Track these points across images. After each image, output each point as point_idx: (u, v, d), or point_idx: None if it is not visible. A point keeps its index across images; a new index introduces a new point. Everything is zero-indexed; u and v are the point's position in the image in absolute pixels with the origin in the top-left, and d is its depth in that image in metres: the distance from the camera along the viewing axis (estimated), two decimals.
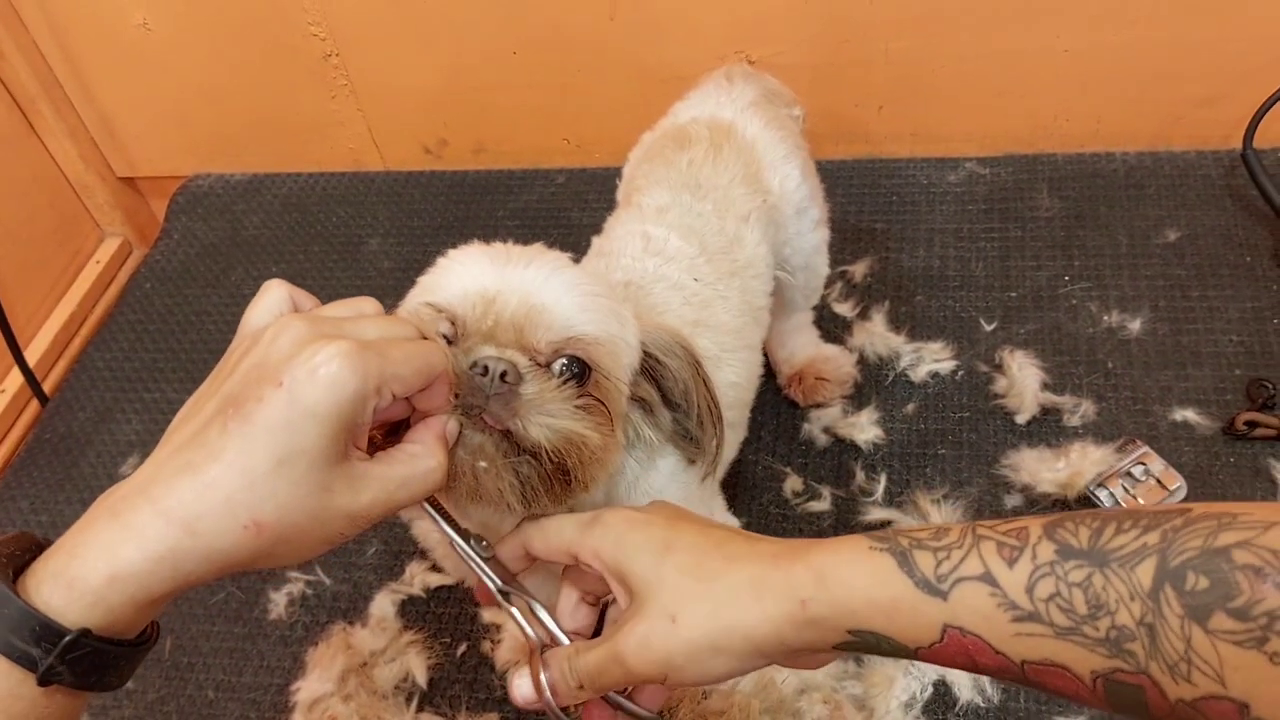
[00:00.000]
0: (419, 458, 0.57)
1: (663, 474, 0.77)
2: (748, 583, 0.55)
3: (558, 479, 0.63)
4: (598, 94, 1.46)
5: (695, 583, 0.57)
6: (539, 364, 0.62)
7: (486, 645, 1.05)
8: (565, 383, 0.62)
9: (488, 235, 1.53)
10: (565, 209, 1.49)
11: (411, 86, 1.51)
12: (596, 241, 0.97)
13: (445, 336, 0.62)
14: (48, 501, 1.28)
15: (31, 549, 0.51)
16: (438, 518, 0.65)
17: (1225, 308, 1.19)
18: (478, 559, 0.65)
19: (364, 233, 1.53)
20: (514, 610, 0.64)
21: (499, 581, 0.65)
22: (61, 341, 1.60)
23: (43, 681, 0.48)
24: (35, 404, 1.50)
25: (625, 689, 0.61)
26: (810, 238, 1.07)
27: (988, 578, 0.49)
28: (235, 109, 1.60)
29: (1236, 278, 1.22)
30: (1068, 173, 1.37)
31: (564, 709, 0.62)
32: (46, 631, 0.47)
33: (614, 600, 0.62)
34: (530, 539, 0.65)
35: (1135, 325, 1.19)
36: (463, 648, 1.06)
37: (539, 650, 0.62)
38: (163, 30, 1.50)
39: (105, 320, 1.53)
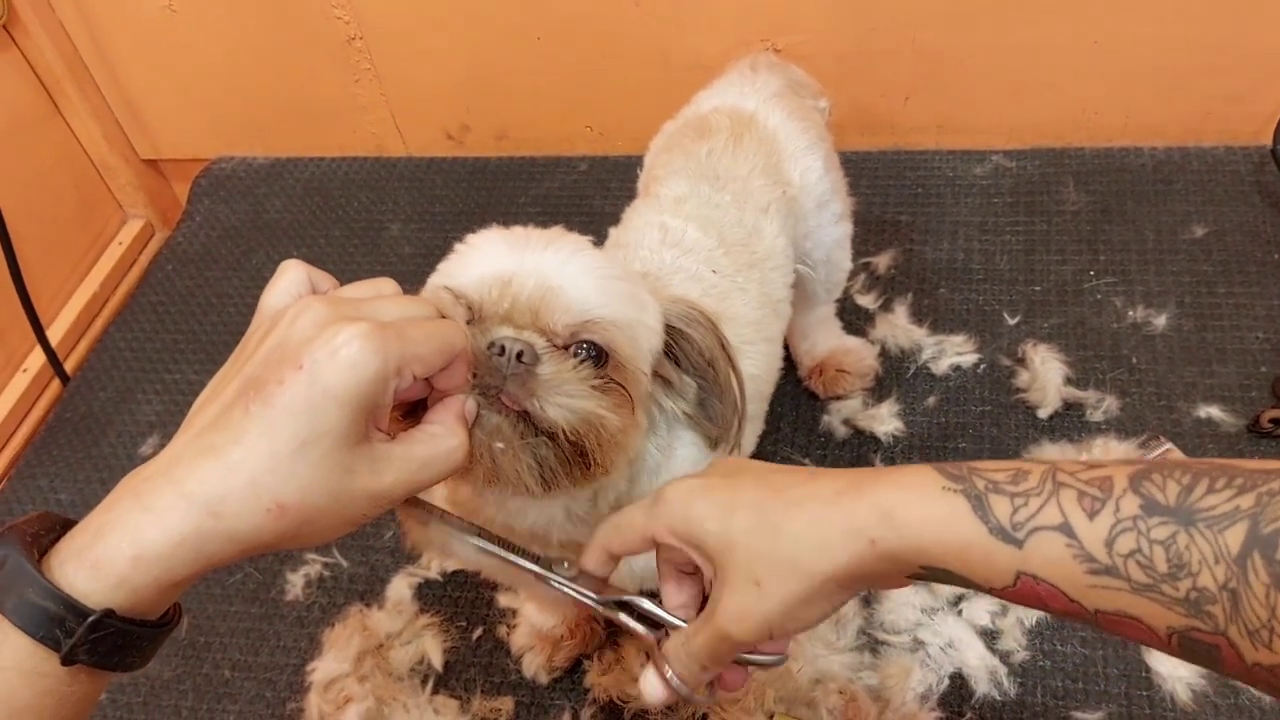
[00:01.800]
0: (440, 438, 0.56)
1: (684, 460, 0.77)
2: (813, 527, 0.55)
3: (576, 461, 0.63)
4: (621, 81, 1.46)
5: (765, 540, 0.56)
6: (556, 346, 0.62)
7: (502, 630, 1.05)
8: (582, 364, 0.62)
9: (509, 222, 1.52)
10: (587, 196, 1.48)
11: (435, 72, 1.51)
12: (614, 232, 0.96)
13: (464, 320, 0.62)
14: (68, 480, 1.29)
15: (55, 528, 0.51)
16: (512, 557, 0.65)
17: (1252, 304, 1.18)
18: (566, 581, 0.65)
19: (385, 218, 1.53)
20: (622, 615, 0.64)
21: (597, 596, 0.65)
22: (84, 322, 1.60)
23: (66, 661, 0.48)
24: (57, 383, 1.51)
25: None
26: (832, 231, 1.06)
27: (1065, 528, 0.48)
28: (258, 92, 1.60)
29: (1264, 274, 1.21)
30: (1095, 167, 1.36)
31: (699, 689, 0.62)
32: (70, 612, 0.47)
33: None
34: (608, 540, 0.64)
35: (1160, 321, 1.18)
36: (479, 631, 1.06)
37: (657, 644, 0.62)
38: (187, 13, 1.50)
39: (127, 301, 1.53)
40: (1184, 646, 0.46)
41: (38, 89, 1.58)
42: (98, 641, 0.48)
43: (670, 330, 0.70)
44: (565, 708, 0.99)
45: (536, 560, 0.65)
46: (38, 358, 1.52)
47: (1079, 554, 0.48)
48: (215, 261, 1.53)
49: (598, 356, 0.63)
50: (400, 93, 1.55)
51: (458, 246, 0.67)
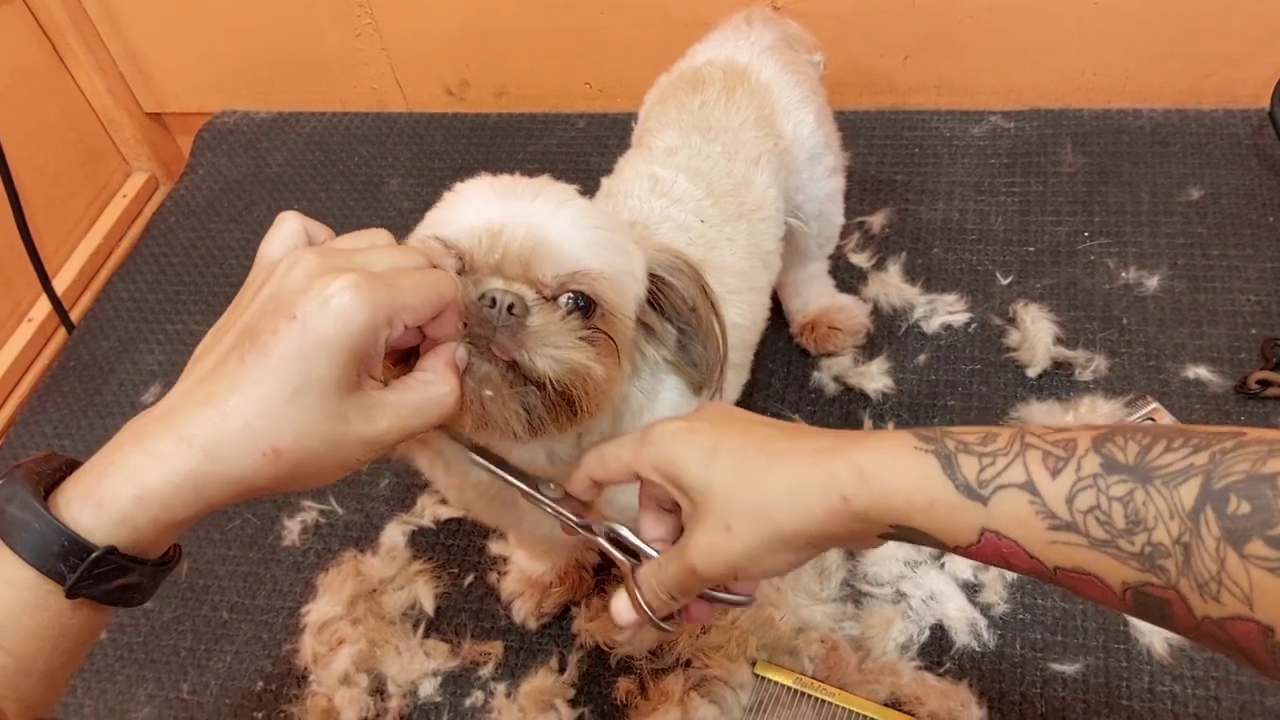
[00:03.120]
0: (431, 384, 0.58)
1: (666, 405, 0.78)
2: (790, 481, 0.56)
3: (563, 408, 0.64)
4: (620, 39, 1.46)
5: (741, 488, 0.58)
6: (545, 297, 0.63)
7: (493, 576, 1.07)
8: (570, 314, 0.63)
9: None
10: (585, 153, 1.49)
11: (435, 28, 1.51)
12: (606, 182, 0.97)
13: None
14: (70, 427, 1.31)
15: (61, 468, 0.54)
16: (502, 473, 0.67)
17: (1244, 267, 1.19)
18: (550, 502, 0.68)
19: (385, 172, 1.54)
20: (600, 539, 0.66)
21: (579, 519, 0.67)
22: (88, 273, 1.62)
23: (70, 594, 0.50)
24: (62, 333, 1.53)
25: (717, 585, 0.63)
26: (824, 185, 1.07)
27: (1029, 486, 0.50)
28: (261, 47, 1.60)
29: (1258, 237, 1.21)
30: (1093, 128, 1.36)
31: (666, 618, 0.64)
32: (75, 547, 0.50)
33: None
34: (592, 469, 0.66)
35: (1153, 282, 1.19)
36: (470, 578, 1.08)
37: (631, 571, 0.64)
38: None
39: (130, 253, 1.55)
40: (1138, 602, 0.48)
41: (42, 42, 1.58)
42: (100, 576, 0.51)
43: (654, 278, 0.71)
44: (553, 653, 1.01)
45: (524, 478, 0.67)
46: (43, 307, 1.54)
47: (1041, 510, 0.50)
48: (217, 214, 1.55)
49: (585, 307, 0.64)
50: (401, 48, 1.56)
51: (446, 195, 0.68)
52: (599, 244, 0.65)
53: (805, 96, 1.03)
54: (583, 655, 1.00)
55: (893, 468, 0.54)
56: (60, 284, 1.57)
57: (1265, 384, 1.07)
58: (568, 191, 0.67)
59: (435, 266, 0.60)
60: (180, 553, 0.58)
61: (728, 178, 0.94)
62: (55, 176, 1.61)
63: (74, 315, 1.54)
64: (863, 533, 0.56)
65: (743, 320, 0.92)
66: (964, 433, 0.54)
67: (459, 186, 0.68)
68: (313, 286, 0.52)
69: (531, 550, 1.03)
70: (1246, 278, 1.17)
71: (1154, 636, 0.93)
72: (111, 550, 0.50)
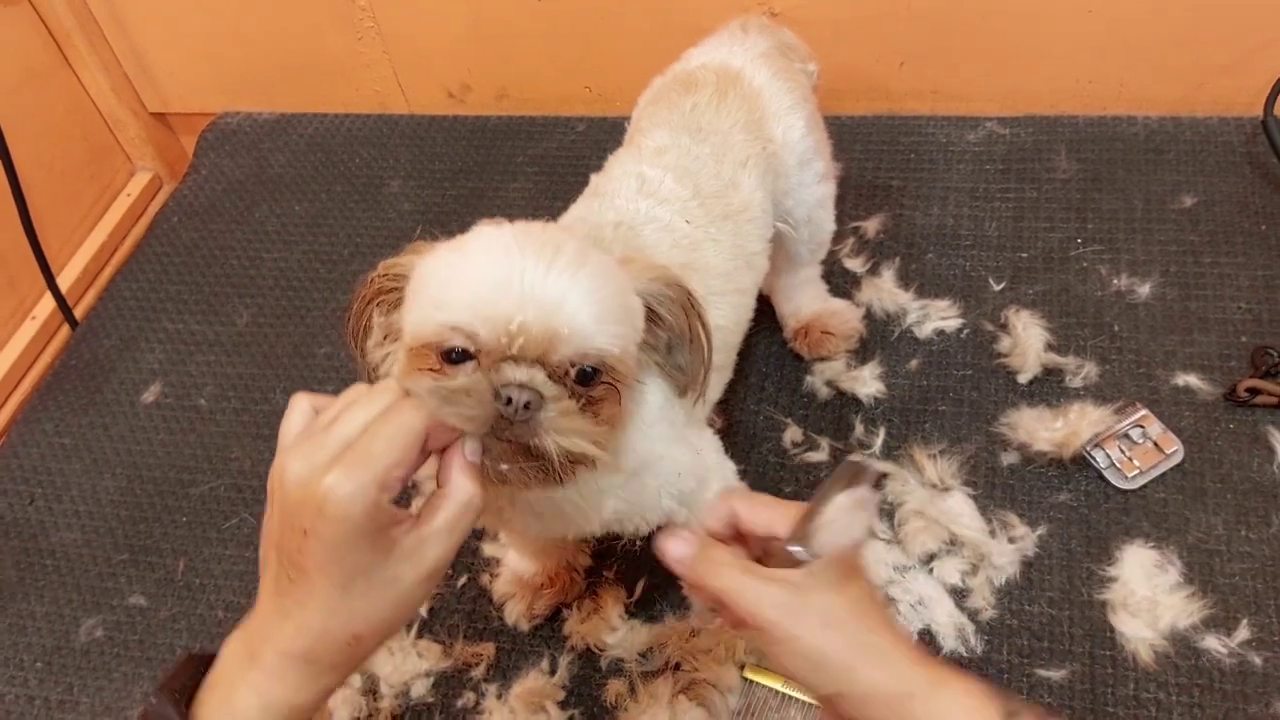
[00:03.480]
0: (454, 495, 0.62)
1: (651, 406, 0.80)
2: (884, 653, 0.60)
3: (575, 468, 0.67)
4: (620, 43, 1.46)
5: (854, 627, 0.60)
6: (557, 375, 0.65)
7: (486, 578, 1.08)
8: (578, 384, 0.66)
9: (506, 182, 1.55)
10: (584, 157, 1.49)
11: (436, 31, 1.52)
12: (594, 179, 0.98)
13: (465, 350, 0.64)
14: (71, 425, 1.33)
15: (195, 674, 0.61)
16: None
17: (1236, 274, 1.19)
18: None
19: (386, 174, 1.55)
20: None
21: None
22: (92, 271, 1.64)
23: None
24: (65, 330, 1.55)
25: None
26: (814, 190, 1.07)
27: None
28: (265, 48, 1.62)
29: (1250, 245, 1.21)
30: (1087, 135, 1.36)
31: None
32: None
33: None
34: (744, 518, 0.66)
35: (1144, 289, 1.19)
36: (463, 579, 1.09)
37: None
38: None
39: (133, 252, 1.56)
40: None
41: (48, 42, 1.60)
42: None
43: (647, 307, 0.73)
44: (544, 654, 1.02)
45: None
46: (46, 305, 1.55)
47: None
48: (219, 214, 1.56)
49: (594, 373, 0.67)
50: (402, 51, 1.57)
51: (444, 256, 0.67)
52: (608, 318, 0.66)
53: (796, 103, 1.04)
54: (573, 657, 1.01)
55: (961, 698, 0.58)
56: (64, 281, 1.58)
57: (1254, 392, 1.08)
58: (575, 257, 0.66)
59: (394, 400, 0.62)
60: None
61: (715, 179, 0.95)
62: (61, 175, 1.62)
63: (78, 313, 1.55)
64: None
65: (725, 322, 0.93)
66: None
67: (465, 248, 0.67)
68: (308, 499, 0.57)
69: (523, 550, 1.04)
70: (1238, 285, 1.18)
71: (1139, 644, 0.94)
72: None
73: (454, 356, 0.65)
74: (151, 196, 1.75)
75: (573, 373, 0.65)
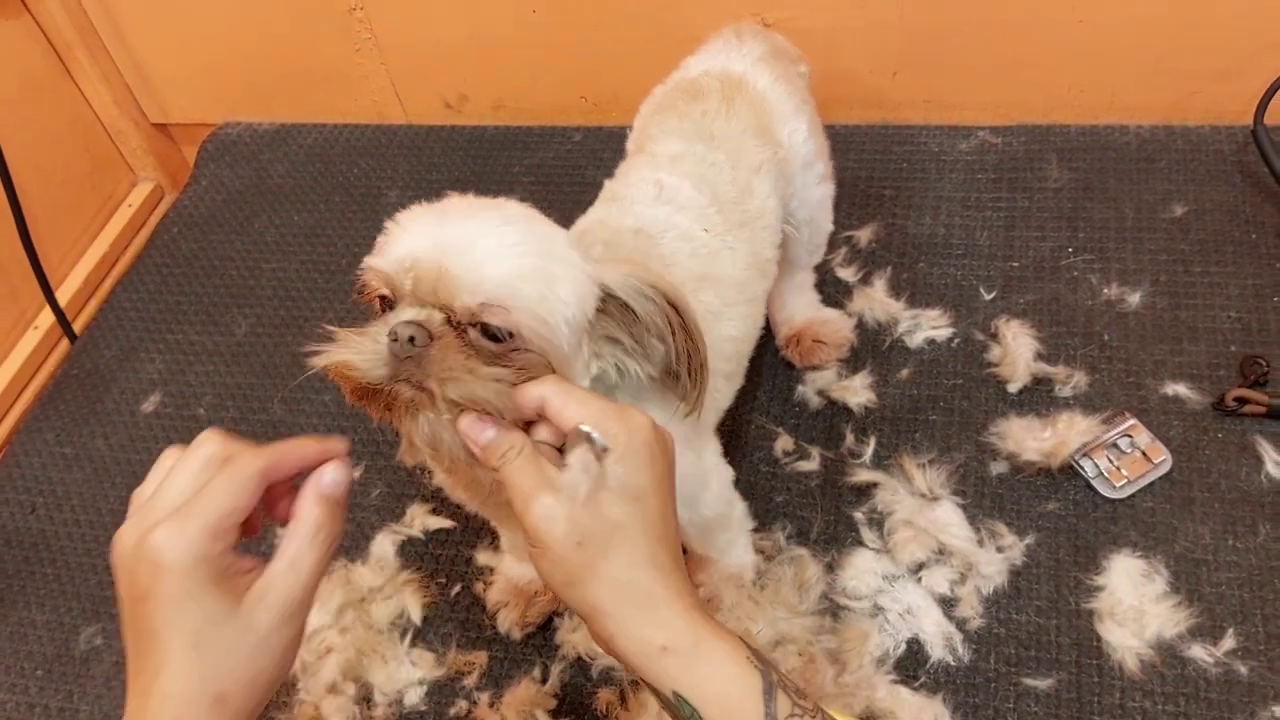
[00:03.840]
0: (300, 529, 0.60)
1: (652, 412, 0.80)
2: (647, 593, 0.61)
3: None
4: (615, 53, 1.47)
5: (608, 565, 0.61)
6: (457, 324, 0.65)
7: (479, 586, 1.09)
8: (481, 341, 0.65)
9: (503, 192, 1.54)
10: (580, 167, 1.51)
11: (433, 41, 1.53)
12: (608, 185, 0.99)
13: (385, 297, 0.66)
14: (72, 435, 1.34)
15: None
16: None
17: (1226, 284, 1.20)
18: None
19: (384, 184, 1.56)
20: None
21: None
22: (93, 282, 1.65)
23: None
24: (66, 342, 1.56)
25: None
26: (815, 191, 1.09)
27: None
28: (264, 59, 1.63)
29: (1240, 254, 1.22)
30: (1079, 144, 1.37)
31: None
32: None
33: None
34: (552, 405, 0.65)
35: (1135, 298, 1.20)
36: (457, 588, 1.10)
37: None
38: None
39: (134, 262, 1.57)
40: None
41: (49, 54, 1.61)
42: None
43: (615, 298, 0.71)
44: (536, 663, 1.03)
45: None
46: (48, 315, 1.56)
47: None
48: (219, 225, 1.57)
49: (497, 334, 0.65)
50: (400, 62, 1.58)
51: (388, 224, 0.69)
52: (517, 273, 0.65)
53: (799, 106, 1.06)
54: (565, 666, 1.02)
55: (723, 665, 0.59)
56: (67, 291, 1.60)
57: (1242, 401, 1.08)
58: (505, 215, 0.68)
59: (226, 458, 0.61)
60: None
61: (732, 185, 0.96)
62: (62, 186, 1.64)
63: (80, 324, 1.57)
64: (647, 674, 0.60)
65: (737, 333, 0.94)
66: (790, 678, 0.60)
67: (400, 214, 0.69)
68: (140, 561, 0.56)
69: (524, 554, 1.05)
70: (1228, 295, 1.19)
71: (1126, 653, 0.95)
72: None
73: (386, 306, 0.67)
74: (153, 207, 1.77)
75: (476, 325, 0.65)
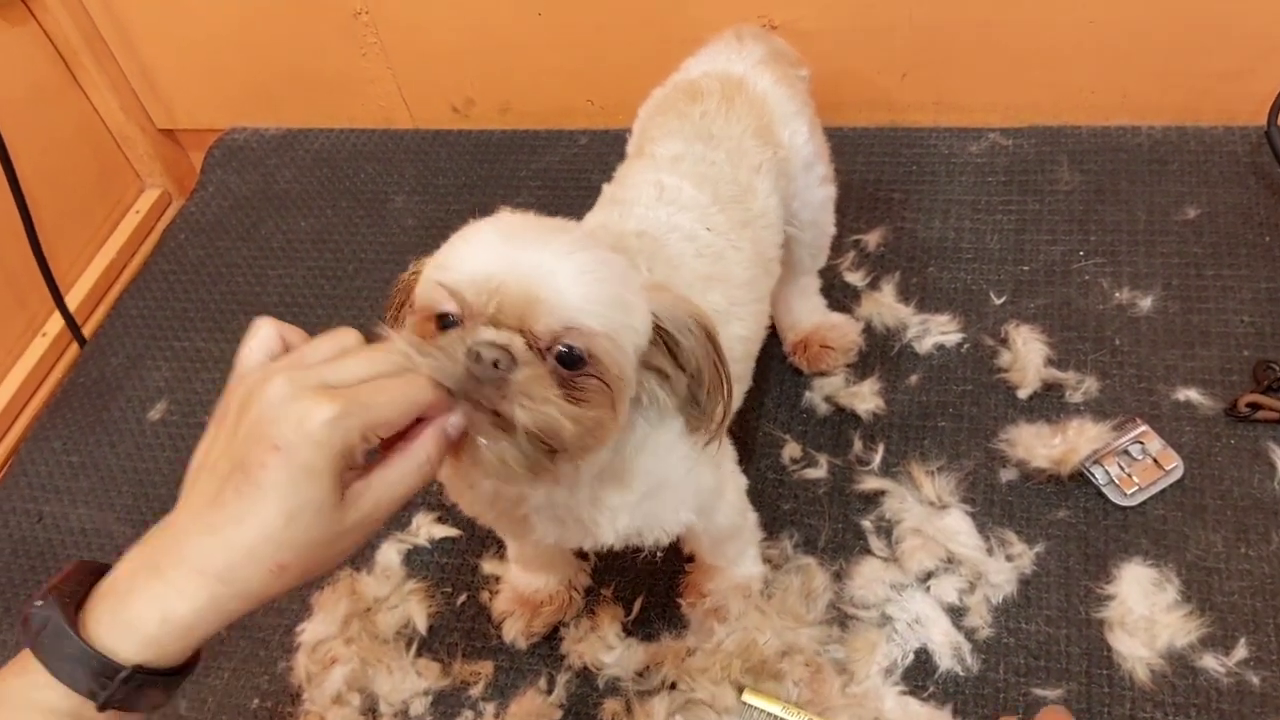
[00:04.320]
0: (410, 454, 0.61)
1: (672, 433, 0.80)
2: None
3: (557, 454, 0.66)
4: (621, 56, 1.47)
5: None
6: (538, 348, 0.64)
7: (485, 595, 1.09)
8: (562, 366, 0.64)
9: (510, 196, 1.56)
10: (586, 171, 1.50)
11: (439, 45, 1.53)
12: (608, 189, 0.98)
13: (452, 315, 0.65)
14: (79, 443, 1.34)
15: (87, 580, 0.58)
16: None
17: (1239, 287, 1.18)
18: None
19: (390, 190, 1.56)
20: None
21: None
22: (101, 288, 1.65)
23: (102, 708, 0.55)
24: (75, 347, 1.56)
25: None
26: (817, 192, 1.08)
27: None
28: (270, 64, 1.63)
29: (1253, 257, 1.20)
30: (1090, 146, 1.36)
31: None
32: (105, 668, 0.55)
33: None
34: None
35: (1146, 303, 1.19)
36: (462, 597, 1.09)
37: None
38: None
39: (141, 269, 1.57)
40: None
41: (56, 61, 1.62)
42: (128, 690, 0.55)
43: (663, 330, 0.72)
44: (541, 673, 1.02)
45: None
46: (57, 321, 1.57)
47: None
48: (226, 231, 1.57)
49: (577, 359, 0.65)
50: (406, 66, 1.58)
51: (452, 237, 0.68)
52: (599, 299, 0.65)
53: (799, 107, 1.05)
54: (570, 676, 1.02)
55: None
56: (75, 298, 1.60)
57: (1255, 407, 1.07)
58: (577, 240, 0.68)
59: (408, 368, 0.61)
60: (200, 656, 0.61)
61: (732, 184, 0.95)
62: (70, 192, 1.64)
63: (88, 330, 1.57)
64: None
65: (747, 332, 0.94)
66: None
67: (466, 228, 0.68)
68: (290, 415, 0.56)
69: (531, 565, 1.04)
70: (1240, 298, 1.17)
71: (1136, 663, 0.94)
72: (139, 668, 0.55)
73: (445, 322, 0.65)
74: (160, 213, 1.77)
75: (555, 350, 0.64)
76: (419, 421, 0.61)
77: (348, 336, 0.63)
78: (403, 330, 0.69)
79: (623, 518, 0.81)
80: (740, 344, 0.93)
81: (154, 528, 0.58)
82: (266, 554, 0.56)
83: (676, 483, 0.83)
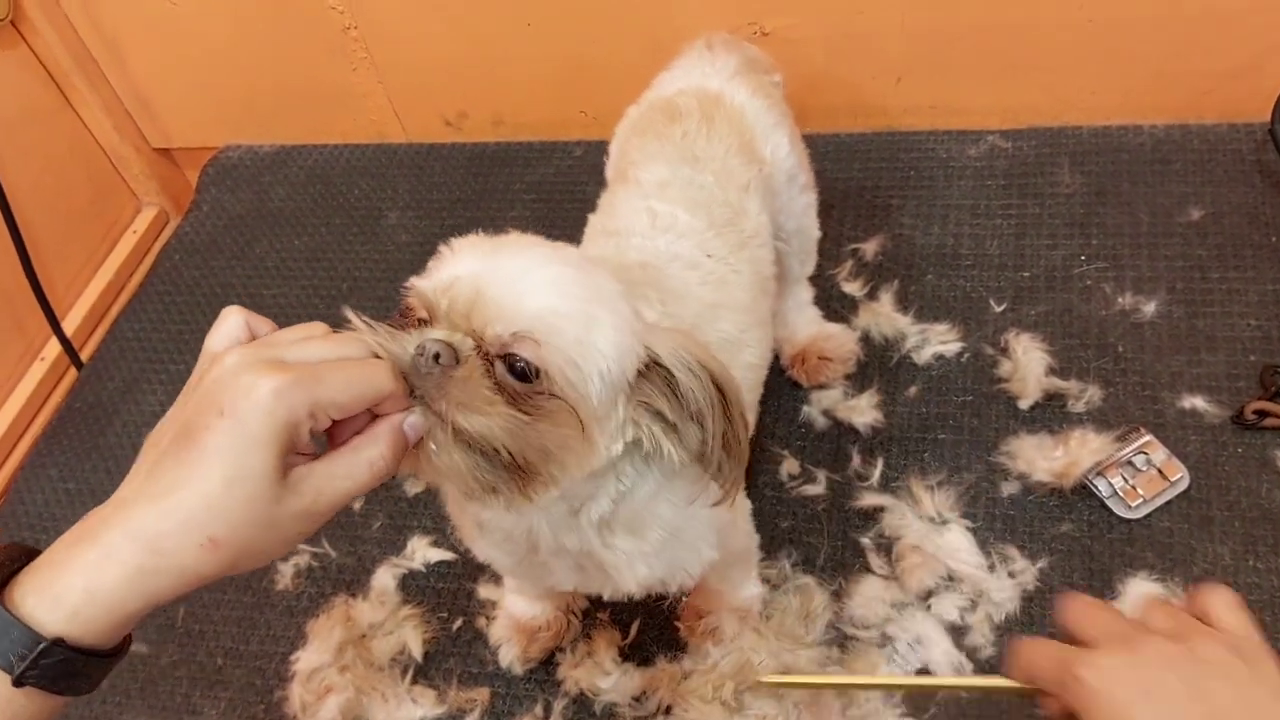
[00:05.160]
0: (361, 449, 0.59)
1: (689, 482, 0.75)
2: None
3: (514, 471, 0.64)
4: (612, 66, 1.45)
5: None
6: (486, 354, 0.62)
7: (481, 621, 1.07)
8: (512, 377, 0.62)
9: (505, 209, 1.54)
10: (581, 182, 1.48)
11: (430, 59, 1.51)
12: (594, 220, 0.97)
13: (423, 320, 0.64)
14: (75, 470, 1.33)
15: (20, 558, 0.56)
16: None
17: (1245, 290, 1.16)
18: None
19: (384, 205, 1.55)
20: None
21: None
22: (100, 309, 1.65)
23: (17, 683, 0.53)
24: (74, 371, 1.56)
25: None
26: (799, 200, 1.08)
27: None
28: (262, 81, 1.62)
29: (1259, 259, 1.18)
30: (1091, 147, 1.33)
31: None
32: (24, 638, 0.53)
33: None
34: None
35: (1150, 308, 1.16)
36: (458, 622, 1.08)
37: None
38: (187, 5, 1.53)
39: (137, 291, 1.57)
40: None
41: (47, 83, 1.61)
42: (47, 667, 0.53)
43: (661, 367, 0.68)
44: (538, 699, 1.01)
45: None
46: (55, 345, 1.56)
47: None
48: (220, 251, 1.56)
49: (524, 372, 0.63)
50: (397, 80, 1.56)
51: (442, 248, 0.68)
52: (557, 313, 0.63)
53: (778, 119, 1.04)
54: (567, 702, 1.00)
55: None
56: (72, 321, 1.60)
57: (1262, 414, 1.04)
58: (561, 256, 0.67)
59: (379, 356, 0.61)
60: (129, 642, 0.60)
61: (725, 206, 0.94)
62: (66, 215, 1.64)
63: (87, 352, 1.57)
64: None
65: (755, 360, 0.93)
66: None
67: (455, 241, 0.68)
68: (239, 383, 0.55)
69: (528, 592, 1.03)
70: (1246, 302, 1.15)
71: None
72: (59, 642, 0.53)
73: (417, 324, 0.64)
74: (158, 231, 1.77)
75: (504, 359, 0.62)
76: (375, 419, 0.60)
77: (315, 328, 0.63)
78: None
79: (640, 566, 0.79)
80: (752, 372, 0.92)
81: (93, 509, 0.57)
82: (200, 524, 0.54)
83: (695, 525, 0.81)
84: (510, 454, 0.62)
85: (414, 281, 0.66)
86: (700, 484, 0.74)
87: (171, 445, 0.56)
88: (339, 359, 0.59)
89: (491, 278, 0.63)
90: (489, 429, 0.61)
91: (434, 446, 0.62)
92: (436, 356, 0.60)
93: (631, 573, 0.80)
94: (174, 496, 0.54)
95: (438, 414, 0.61)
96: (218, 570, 0.56)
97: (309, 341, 0.60)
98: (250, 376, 0.55)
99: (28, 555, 0.56)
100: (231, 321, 0.62)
